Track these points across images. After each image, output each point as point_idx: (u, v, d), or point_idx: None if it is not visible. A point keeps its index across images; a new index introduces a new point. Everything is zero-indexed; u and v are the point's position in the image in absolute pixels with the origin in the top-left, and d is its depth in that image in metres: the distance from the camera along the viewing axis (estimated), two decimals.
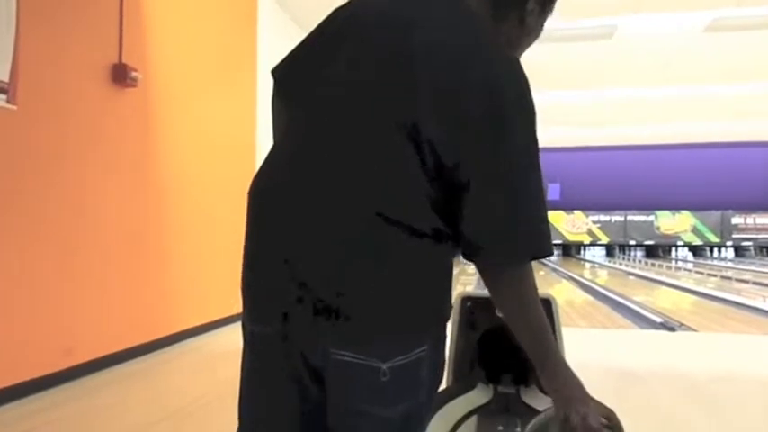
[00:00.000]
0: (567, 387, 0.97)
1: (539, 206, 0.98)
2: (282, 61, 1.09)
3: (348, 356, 0.90)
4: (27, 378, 3.16)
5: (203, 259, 5.02)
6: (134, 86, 4.01)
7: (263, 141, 6.22)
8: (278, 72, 1.07)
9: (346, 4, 1.04)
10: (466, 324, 2.26)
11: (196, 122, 4.93)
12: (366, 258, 0.88)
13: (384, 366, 0.90)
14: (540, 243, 0.97)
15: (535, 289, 1.03)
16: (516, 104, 0.97)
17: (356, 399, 0.92)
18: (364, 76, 0.92)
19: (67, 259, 3.51)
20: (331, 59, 0.97)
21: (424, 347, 0.94)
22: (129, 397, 3.30)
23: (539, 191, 0.99)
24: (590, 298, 9.42)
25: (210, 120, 5.14)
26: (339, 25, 1.01)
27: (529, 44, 1.17)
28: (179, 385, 3.55)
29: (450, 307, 1.03)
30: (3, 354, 3.04)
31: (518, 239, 0.94)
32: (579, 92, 11.13)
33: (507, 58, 0.97)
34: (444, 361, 1.03)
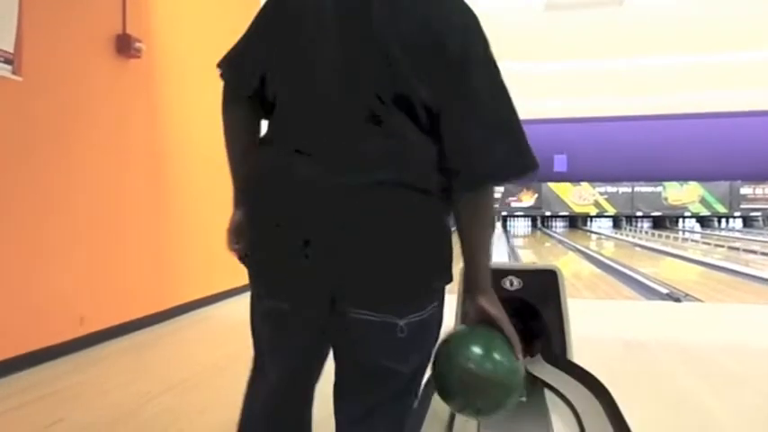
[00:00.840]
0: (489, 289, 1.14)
1: (518, 123, 1.12)
2: (245, 51, 1.18)
3: (367, 315, 0.97)
4: (40, 346, 3.21)
5: (212, 231, 5.03)
6: (138, 57, 3.99)
7: None
8: (251, 63, 1.14)
9: None
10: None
11: (202, 94, 4.90)
12: (380, 224, 0.95)
13: (401, 323, 0.99)
14: (529, 158, 1.10)
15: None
16: (481, 39, 1.08)
17: (375, 354, 1.01)
18: (348, 56, 1.00)
19: (78, 229, 3.53)
20: (311, 42, 1.03)
21: (435, 304, 1.06)
22: (138, 366, 3.35)
23: (515, 111, 1.13)
24: (596, 269, 9.44)
25: (217, 91, 5.11)
26: (299, 7, 1.06)
27: None
28: (186, 355, 3.60)
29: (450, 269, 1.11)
30: (17, 322, 3.09)
31: (522, 154, 1.08)
32: (587, 61, 10.99)
33: (461, 3, 1.09)
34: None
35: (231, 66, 1.22)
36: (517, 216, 21.68)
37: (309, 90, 1.03)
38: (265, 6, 1.16)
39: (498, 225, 21.31)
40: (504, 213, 21.58)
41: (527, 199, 21.43)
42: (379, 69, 0.99)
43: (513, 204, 21.51)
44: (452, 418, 1.92)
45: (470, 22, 1.08)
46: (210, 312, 4.73)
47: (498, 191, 21.52)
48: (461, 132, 1.00)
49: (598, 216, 21.48)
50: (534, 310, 2.23)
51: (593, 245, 15.20)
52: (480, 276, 1.13)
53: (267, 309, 1.06)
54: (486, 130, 1.03)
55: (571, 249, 13.49)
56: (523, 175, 1.07)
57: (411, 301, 1.01)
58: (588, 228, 21.42)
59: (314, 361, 1.12)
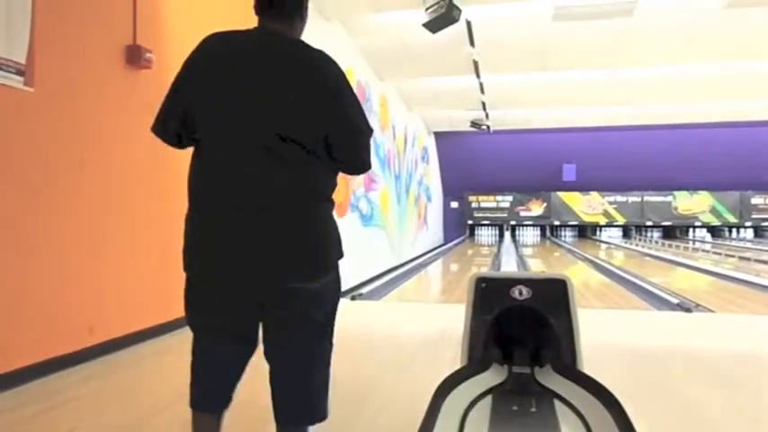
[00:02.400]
0: None
1: (368, 140, 1.71)
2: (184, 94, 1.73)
3: (295, 285, 1.63)
4: (50, 356, 3.22)
5: None
6: (149, 68, 4.02)
7: None
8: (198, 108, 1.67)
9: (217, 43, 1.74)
10: (481, 305, 2.27)
11: None
12: (301, 225, 1.60)
13: (316, 285, 1.66)
14: (370, 162, 1.74)
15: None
16: (345, 84, 1.67)
17: (300, 306, 1.66)
18: (254, 105, 1.60)
19: (90, 239, 3.56)
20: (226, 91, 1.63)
21: (334, 273, 1.74)
22: (150, 375, 3.36)
23: (369, 128, 1.71)
24: (606, 279, 9.39)
25: None
26: (218, 63, 1.65)
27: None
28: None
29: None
30: (27, 332, 3.11)
31: (365, 159, 1.71)
32: (597, 71, 10.97)
33: (329, 57, 1.66)
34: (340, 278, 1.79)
35: (158, 130, 1.84)
36: (526, 225, 21.61)
37: (223, 132, 1.61)
38: (182, 69, 1.73)
39: (507, 235, 21.26)
40: (513, 223, 21.53)
41: (536, 208, 21.37)
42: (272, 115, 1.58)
43: (522, 214, 21.45)
44: (463, 420, 1.91)
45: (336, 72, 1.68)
46: None
47: (507, 200, 21.47)
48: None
49: (607, 225, 21.36)
50: (544, 319, 2.22)
51: (602, 254, 15.13)
52: None
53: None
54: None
55: (580, 259, 13.43)
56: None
57: (321, 274, 1.68)
58: (598, 237, 21.31)
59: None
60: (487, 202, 21.69)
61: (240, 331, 1.72)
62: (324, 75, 1.62)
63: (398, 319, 5.17)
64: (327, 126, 1.61)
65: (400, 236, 12.96)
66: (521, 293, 2.22)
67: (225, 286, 1.65)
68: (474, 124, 15.58)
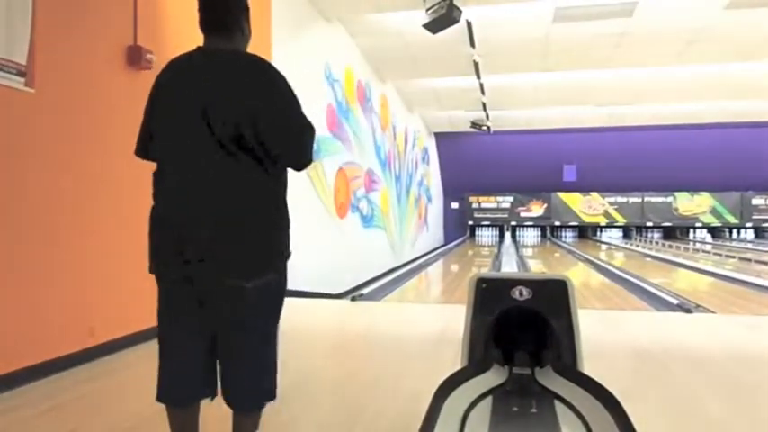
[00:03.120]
0: None
1: (308, 135, 1.85)
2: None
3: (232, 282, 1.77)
4: (51, 357, 3.22)
5: None
6: (149, 69, 4.02)
7: None
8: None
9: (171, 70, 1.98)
10: (481, 305, 2.27)
11: None
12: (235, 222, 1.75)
13: (249, 285, 1.78)
14: (309, 155, 1.86)
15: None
16: (280, 87, 1.80)
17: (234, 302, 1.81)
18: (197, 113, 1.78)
19: (88, 240, 3.56)
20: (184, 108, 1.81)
21: (272, 275, 1.85)
22: (152, 376, 3.35)
23: (306, 126, 1.84)
24: (606, 280, 9.38)
25: None
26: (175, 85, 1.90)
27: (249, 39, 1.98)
28: None
29: (289, 248, 1.88)
30: (28, 333, 3.11)
31: (300, 153, 1.84)
32: (597, 71, 10.98)
33: (267, 63, 1.83)
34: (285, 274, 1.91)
35: (140, 154, 2.05)
36: (526, 226, 21.62)
37: (172, 143, 1.84)
38: (148, 100, 1.98)
39: (508, 235, 21.25)
40: (513, 223, 21.53)
41: (536, 209, 21.38)
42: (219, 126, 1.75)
43: (523, 214, 21.46)
44: (464, 421, 1.91)
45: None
46: None
47: (508, 201, 21.47)
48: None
49: (608, 226, 21.37)
50: (544, 320, 2.22)
51: (603, 255, 15.13)
52: None
53: None
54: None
55: (581, 260, 13.42)
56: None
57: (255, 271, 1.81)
58: (598, 238, 21.31)
59: None
60: (488, 202, 21.71)
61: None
62: (257, 75, 1.78)
63: (399, 320, 5.17)
64: (260, 120, 1.74)
65: (401, 236, 12.96)
66: (521, 294, 2.22)
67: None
68: (474, 125, 15.59)
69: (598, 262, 12.49)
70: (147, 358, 3.68)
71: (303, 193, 6.74)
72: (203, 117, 1.74)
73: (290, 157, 1.82)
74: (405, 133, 13.91)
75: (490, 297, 2.26)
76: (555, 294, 2.22)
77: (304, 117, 1.83)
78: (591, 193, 21.01)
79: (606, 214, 20.95)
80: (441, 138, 19.74)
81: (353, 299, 6.22)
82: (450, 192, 21.35)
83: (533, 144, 19.85)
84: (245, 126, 1.73)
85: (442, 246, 18.71)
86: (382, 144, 11.19)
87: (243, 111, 1.73)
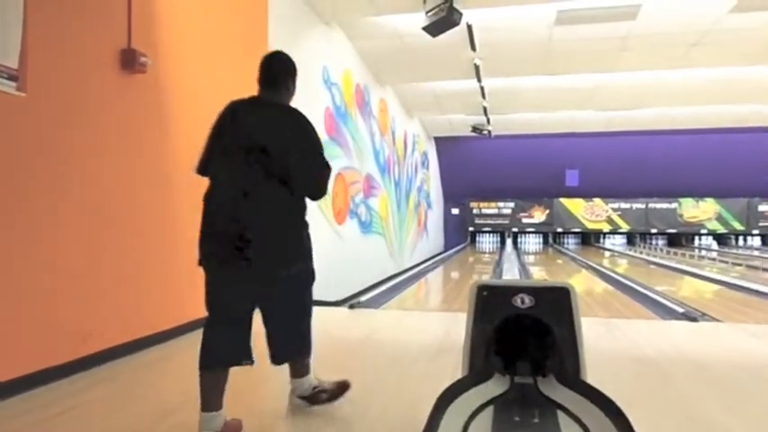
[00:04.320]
0: None
1: (324, 174, 2.54)
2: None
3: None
4: (44, 366, 3.21)
5: None
6: (144, 72, 4.03)
7: None
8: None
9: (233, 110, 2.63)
10: (482, 313, 2.27)
11: (211, 109, 4.95)
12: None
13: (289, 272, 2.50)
14: (324, 190, 2.53)
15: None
16: (308, 132, 2.50)
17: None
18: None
19: (82, 246, 3.56)
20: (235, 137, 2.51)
21: (302, 265, 2.59)
22: (150, 384, 3.35)
23: (324, 166, 2.53)
24: (610, 287, 9.39)
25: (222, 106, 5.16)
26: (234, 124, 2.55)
27: (293, 95, 2.73)
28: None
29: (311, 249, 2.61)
30: (20, 341, 3.10)
31: (316, 189, 2.53)
32: (600, 74, 11.01)
33: (300, 114, 2.53)
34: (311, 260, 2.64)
35: (200, 172, 2.60)
36: (528, 232, 21.64)
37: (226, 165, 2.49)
38: (214, 129, 2.63)
39: (509, 242, 21.26)
40: (514, 230, 21.56)
41: (538, 215, 21.40)
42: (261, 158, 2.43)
43: (525, 221, 21.47)
44: (465, 431, 1.91)
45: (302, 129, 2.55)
46: None
47: (509, 207, 21.50)
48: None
49: (611, 233, 21.39)
50: (547, 328, 2.22)
51: (606, 262, 15.14)
52: None
53: None
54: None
55: (584, 267, 13.43)
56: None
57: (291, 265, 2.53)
58: (601, 245, 21.33)
59: None
60: (489, 208, 21.73)
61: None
62: (290, 122, 2.53)
63: (398, 328, 5.16)
64: (290, 156, 2.43)
65: (400, 243, 12.96)
66: (523, 302, 2.23)
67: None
68: (475, 129, 15.61)
69: (601, 269, 12.49)
70: (144, 366, 3.68)
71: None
72: (251, 149, 2.43)
73: (308, 189, 2.53)
74: (404, 138, 13.93)
75: (491, 305, 2.27)
76: (557, 302, 2.22)
77: (323, 158, 2.53)
78: (594, 199, 21.04)
79: (610, 220, 20.98)
80: (441, 142, 19.77)
81: (352, 306, 6.21)
82: (451, 197, 21.37)
83: (535, 148, 19.87)
84: (279, 158, 2.42)
85: (443, 252, 18.71)
86: (381, 149, 11.21)
87: (280, 148, 2.43)
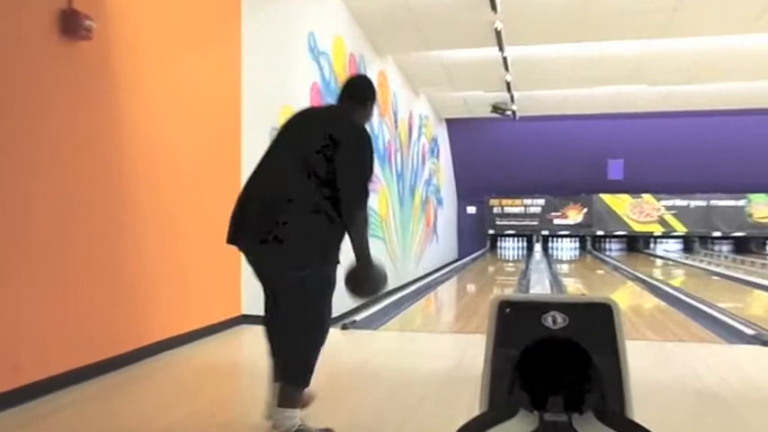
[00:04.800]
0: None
1: (364, 186, 3.09)
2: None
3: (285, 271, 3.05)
4: None
5: (184, 253, 5.08)
6: (89, 39, 4.03)
7: (250, 108, 6.25)
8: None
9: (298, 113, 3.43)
10: (504, 336, 2.28)
11: (167, 82, 4.96)
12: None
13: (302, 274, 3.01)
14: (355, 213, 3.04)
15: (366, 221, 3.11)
16: (356, 141, 3.08)
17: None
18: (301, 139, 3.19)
19: (12, 257, 3.56)
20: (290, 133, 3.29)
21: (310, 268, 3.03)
22: (100, 420, 3.35)
23: (365, 178, 3.10)
24: (662, 304, 9.39)
25: (186, 81, 5.17)
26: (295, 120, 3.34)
27: (368, 120, 3.45)
28: (161, 405, 3.60)
29: (333, 253, 3.07)
30: None
31: (353, 206, 3.04)
32: (650, 41, 11.00)
33: (354, 122, 3.22)
34: (331, 273, 3.10)
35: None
36: (561, 236, 21.66)
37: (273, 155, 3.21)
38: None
39: (538, 248, 21.26)
40: (544, 233, 21.56)
41: (574, 215, 21.41)
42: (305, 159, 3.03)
43: (557, 221, 21.48)
44: None
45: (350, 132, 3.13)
46: (183, 354, 4.75)
47: (538, 205, 21.52)
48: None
49: (664, 237, 21.41)
50: (584, 354, 2.23)
51: (657, 273, 15.15)
52: (357, 254, 3.07)
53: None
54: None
55: (630, 278, 13.44)
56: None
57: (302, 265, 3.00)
58: (651, 251, 21.35)
59: None
60: (513, 206, 21.76)
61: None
62: (344, 132, 3.10)
63: (401, 354, 5.17)
64: (336, 166, 3.00)
65: (403, 249, 12.98)
66: (555, 321, 2.23)
67: None
68: (496, 109, 15.64)
69: (651, 281, 12.50)
70: (82, 402, 3.68)
71: None
72: (300, 143, 3.13)
73: (345, 205, 3.02)
74: (409, 120, 13.95)
75: (516, 325, 2.27)
76: (597, 322, 2.23)
77: (360, 178, 3.08)
78: (642, 195, 21.06)
79: (662, 221, 21.00)
80: (454, 125, 19.79)
81: (345, 327, 6.22)
82: (466, 193, 21.39)
83: (570, 133, 19.87)
84: (324, 163, 3.00)
85: (456, 261, 18.72)
86: (380, 133, 11.22)
87: (325, 151, 3.02)
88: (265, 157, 3.21)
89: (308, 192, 2.95)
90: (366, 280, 3.15)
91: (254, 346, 4.26)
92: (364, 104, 3.41)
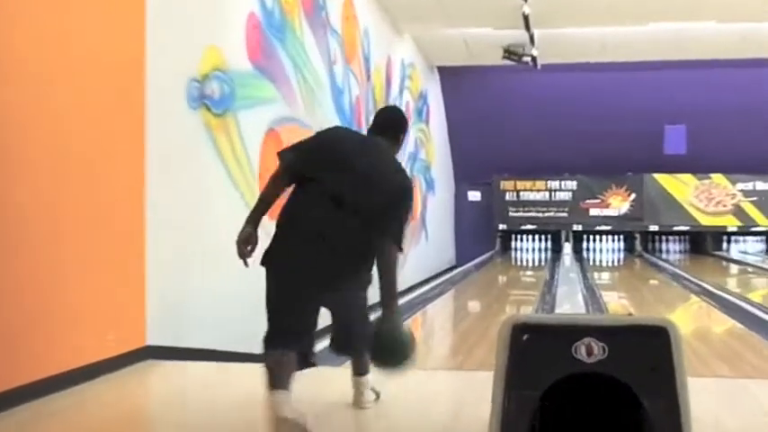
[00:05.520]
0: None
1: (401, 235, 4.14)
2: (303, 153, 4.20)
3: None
4: None
5: (60, 264, 5.04)
6: None
7: (157, 55, 6.16)
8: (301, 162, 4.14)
9: (332, 135, 4.50)
10: (520, 373, 2.29)
11: (48, 38, 4.92)
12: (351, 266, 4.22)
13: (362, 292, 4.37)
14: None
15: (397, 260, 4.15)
16: (407, 195, 4.28)
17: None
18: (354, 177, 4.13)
19: None
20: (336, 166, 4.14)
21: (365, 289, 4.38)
22: None
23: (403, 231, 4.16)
24: (738, 326, 9.47)
25: (72, 36, 5.12)
26: (336, 148, 4.25)
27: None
28: None
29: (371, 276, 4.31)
30: None
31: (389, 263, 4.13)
32: None
33: (404, 171, 4.44)
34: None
35: (291, 157, 4.13)
36: (601, 233, 21.71)
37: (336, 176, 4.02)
38: (315, 138, 4.38)
39: (567, 249, 21.23)
40: (577, 227, 21.55)
41: (617, 203, 21.45)
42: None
43: (594, 212, 21.49)
44: None
45: (405, 184, 4.29)
46: (66, 401, 4.72)
47: (568, 189, 21.47)
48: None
49: (741, 233, 21.54)
50: (629, 393, 2.25)
51: (732, 283, 15.27)
52: (387, 298, 4.09)
53: None
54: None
55: (694, 291, 13.53)
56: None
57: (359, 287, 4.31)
58: (724, 253, 21.46)
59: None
60: (533, 191, 21.79)
61: None
62: (390, 183, 4.09)
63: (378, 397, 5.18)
64: (381, 217, 3.97)
65: None
66: (590, 352, 2.25)
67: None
68: (510, 54, 15.63)
69: (724, 295, 12.58)
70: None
71: (202, 171, 6.72)
72: (354, 179, 4.01)
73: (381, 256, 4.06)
74: (387, 69, 13.94)
75: (537, 357, 2.28)
76: (648, 352, 2.24)
77: (401, 233, 4.06)
78: (712, 176, 21.16)
79: (738, 212, 21.12)
80: (450, 77, 19.76)
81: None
82: (468, 173, 21.38)
83: (611, 90, 19.87)
84: (374, 210, 3.99)
85: (453, 268, 18.75)
86: (346, 86, 11.21)
87: (377, 198, 4.00)
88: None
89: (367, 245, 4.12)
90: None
91: (163, 387, 4.23)
92: (398, 140, 4.41)
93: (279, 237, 4.08)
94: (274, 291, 4.07)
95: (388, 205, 4.06)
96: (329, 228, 3.96)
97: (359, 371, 4.61)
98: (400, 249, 4.14)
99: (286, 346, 4.02)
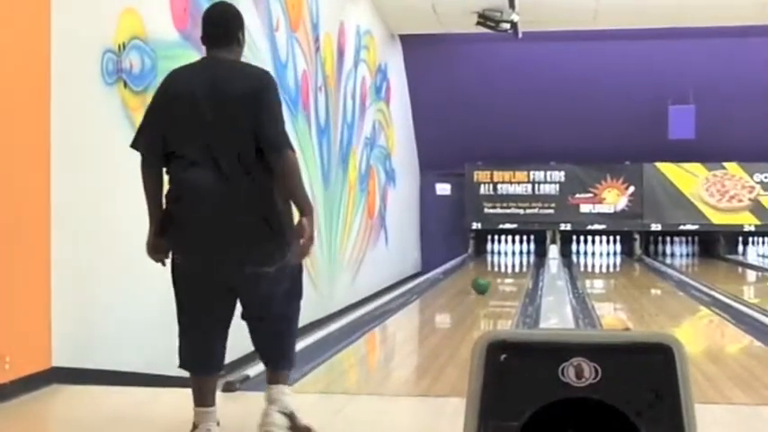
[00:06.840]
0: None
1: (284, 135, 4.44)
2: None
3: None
4: None
5: None
6: None
7: (61, 46, 6.13)
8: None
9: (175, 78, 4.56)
10: (498, 399, 2.30)
11: None
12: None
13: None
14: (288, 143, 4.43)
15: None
16: (268, 86, 4.47)
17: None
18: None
19: None
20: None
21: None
22: None
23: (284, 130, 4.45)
24: (756, 344, 9.56)
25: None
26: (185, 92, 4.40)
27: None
28: None
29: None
30: None
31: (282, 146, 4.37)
32: None
33: (254, 67, 5.04)
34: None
35: (144, 143, 4.33)
36: (593, 233, 21.83)
37: (193, 139, 4.28)
38: (154, 97, 4.51)
39: (553, 251, 21.29)
40: (564, 227, 21.64)
41: (613, 197, 21.57)
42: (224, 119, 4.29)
43: (584, 207, 21.59)
44: None
45: (261, 75, 4.53)
46: None
47: (554, 181, 21.51)
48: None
49: (760, 233, 21.74)
50: (626, 423, 2.27)
51: (749, 292, 15.42)
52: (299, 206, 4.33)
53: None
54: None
55: (703, 302, 13.66)
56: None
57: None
58: (738, 257, 21.64)
59: None
60: (512, 183, 21.87)
61: None
62: (250, 86, 4.27)
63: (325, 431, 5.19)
64: (253, 133, 4.18)
65: (329, 256, 12.98)
66: (580, 374, 2.27)
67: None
68: (485, 20, 15.69)
69: (739, 306, 12.68)
70: None
71: (118, 163, 6.69)
72: (212, 120, 4.20)
73: (279, 174, 4.23)
74: (339, 37, 13.94)
75: (517, 381, 2.30)
76: (649, 375, 2.27)
77: (281, 137, 4.26)
78: (725, 164, 21.32)
79: (756, 207, 21.29)
80: (415, 48, 19.79)
81: (229, 387, 6.21)
82: (435, 161, 21.42)
83: (605, 63, 19.96)
84: (243, 135, 4.20)
85: (418, 274, 18.79)
86: (289, 58, 11.20)
87: (240, 120, 4.20)
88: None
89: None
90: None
91: (70, 416, 4.25)
92: (239, 42, 4.54)
93: (174, 228, 4.27)
94: (184, 293, 4.48)
95: (252, 110, 4.17)
96: (213, 196, 4.14)
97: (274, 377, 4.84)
98: (292, 150, 4.29)
99: (206, 373, 4.55)
